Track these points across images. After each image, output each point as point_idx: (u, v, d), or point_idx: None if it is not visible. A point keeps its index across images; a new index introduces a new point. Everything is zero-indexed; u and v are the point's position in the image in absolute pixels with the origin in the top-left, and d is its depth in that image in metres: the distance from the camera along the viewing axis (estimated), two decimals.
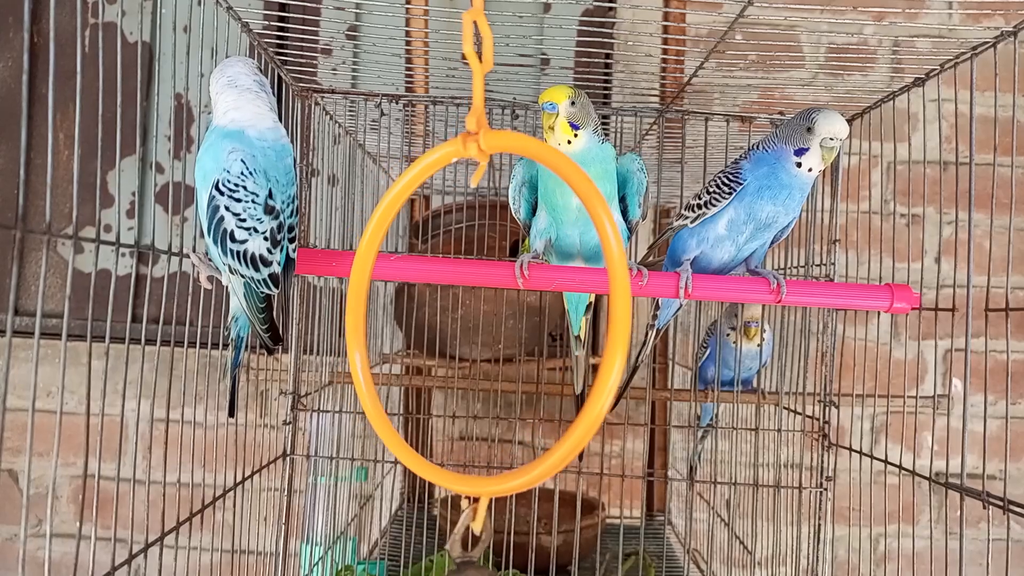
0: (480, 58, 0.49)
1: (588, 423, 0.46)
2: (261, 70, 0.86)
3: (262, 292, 0.82)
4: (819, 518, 1.18)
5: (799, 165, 0.90)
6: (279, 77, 1.13)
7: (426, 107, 1.26)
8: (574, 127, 0.87)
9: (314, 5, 1.02)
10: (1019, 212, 1.93)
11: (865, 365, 1.18)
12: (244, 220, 0.79)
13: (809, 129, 0.88)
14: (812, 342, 1.21)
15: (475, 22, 0.48)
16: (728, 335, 1.28)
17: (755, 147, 0.95)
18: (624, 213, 0.98)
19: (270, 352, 0.88)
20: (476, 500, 0.58)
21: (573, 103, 0.87)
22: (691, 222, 0.97)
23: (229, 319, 0.90)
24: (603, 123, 1.37)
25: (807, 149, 0.89)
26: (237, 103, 0.81)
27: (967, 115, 0.88)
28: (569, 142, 0.88)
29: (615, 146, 1.27)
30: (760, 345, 1.27)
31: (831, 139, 0.88)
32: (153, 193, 2.00)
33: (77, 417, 1.89)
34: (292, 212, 0.84)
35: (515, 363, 1.34)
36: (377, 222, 0.53)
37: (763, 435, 1.25)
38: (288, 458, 1.18)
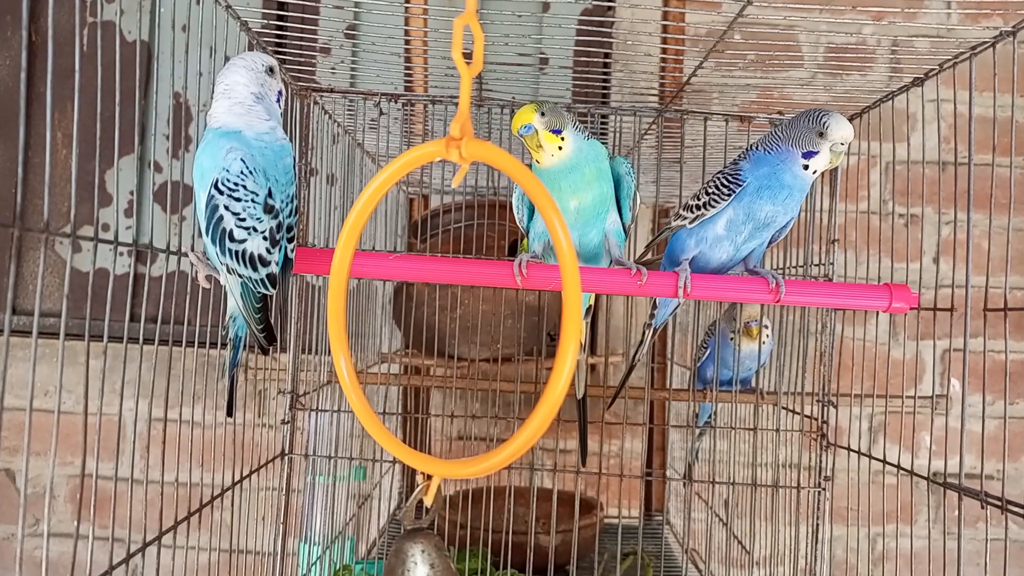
0: (470, 60, 0.49)
1: (543, 415, 0.47)
2: (271, 69, 0.85)
3: (259, 292, 0.82)
4: (817, 518, 1.18)
5: (806, 167, 0.91)
6: (270, 68, 1.12)
7: (425, 106, 1.26)
8: (556, 132, 0.89)
9: (313, 4, 1.02)
10: (1017, 212, 1.93)
11: (863, 365, 1.18)
12: (243, 220, 0.79)
13: (821, 134, 0.89)
14: (811, 342, 1.21)
15: (467, 26, 0.48)
16: (731, 338, 1.28)
17: (754, 147, 0.95)
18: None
19: (265, 352, 0.87)
20: (431, 477, 0.66)
21: (543, 114, 0.89)
22: (690, 223, 0.97)
23: (227, 318, 0.90)
24: (602, 122, 1.37)
25: (816, 152, 0.90)
26: (231, 111, 0.81)
27: (966, 115, 0.88)
28: (560, 148, 0.89)
29: (614, 146, 1.27)
30: (763, 343, 1.27)
31: (841, 143, 0.89)
32: (151, 192, 2.00)
33: (75, 416, 1.88)
34: (291, 211, 0.83)
35: (513, 363, 1.34)
36: (358, 214, 0.53)
37: (761, 435, 1.25)
38: (286, 457, 1.18)
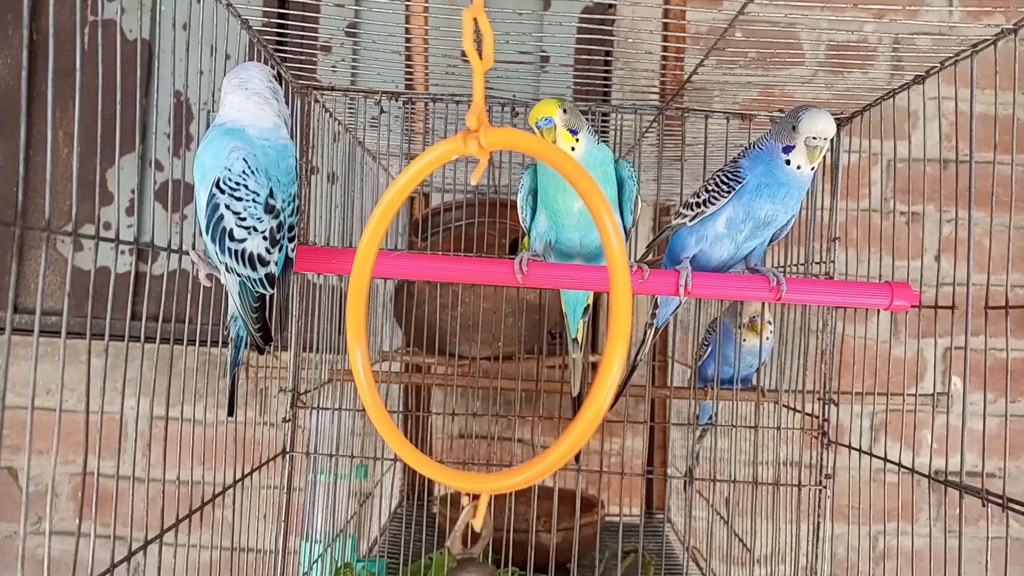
0: (480, 55, 0.49)
1: (588, 420, 0.46)
2: (276, 78, 0.85)
3: (257, 291, 0.82)
4: (818, 516, 1.18)
5: (788, 163, 0.90)
6: (278, 74, 1.13)
7: (426, 104, 1.26)
8: (573, 132, 0.89)
9: (314, 2, 1.02)
10: (1019, 210, 1.92)
11: (865, 363, 1.18)
12: (244, 219, 0.79)
13: (794, 128, 0.89)
14: (812, 340, 1.20)
15: (475, 19, 0.48)
16: (735, 332, 1.28)
17: (752, 145, 0.95)
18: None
19: (260, 351, 0.88)
20: (476, 497, 0.58)
21: (565, 111, 0.89)
22: (690, 220, 0.97)
23: (228, 317, 0.90)
24: (603, 120, 1.37)
25: (793, 147, 0.89)
26: (243, 106, 0.81)
27: (967, 113, 0.88)
28: (573, 148, 0.89)
29: (615, 144, 1.27)
30: (766, 339, 1.27)
31: (814, 138, 0.88)
32: (152, 191, 2.00)
33: (77, 415, 1.89)
34: (293, 211, 0.83)
35: (514, 361, 1.34)
36: (378, 220, 0.53)
37: (763, 433, 1.25)
38: (287, 455, 1.18)
